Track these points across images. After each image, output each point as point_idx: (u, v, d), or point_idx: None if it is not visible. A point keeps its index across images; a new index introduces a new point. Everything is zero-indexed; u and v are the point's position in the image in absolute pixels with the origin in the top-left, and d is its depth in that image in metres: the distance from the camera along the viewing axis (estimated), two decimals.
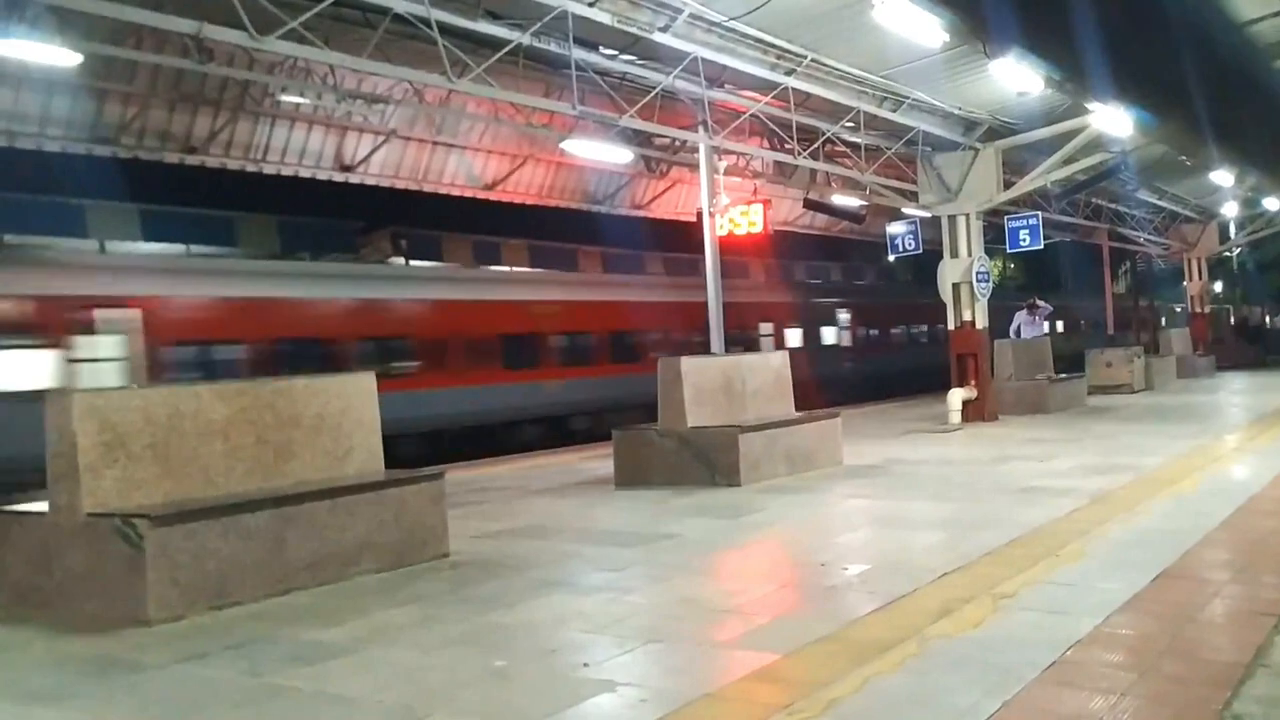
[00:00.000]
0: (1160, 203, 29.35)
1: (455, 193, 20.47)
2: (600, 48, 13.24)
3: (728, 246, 17.13)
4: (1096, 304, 39.86)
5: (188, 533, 6.28)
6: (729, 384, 11.80)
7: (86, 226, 19.74)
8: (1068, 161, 18.48)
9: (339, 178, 18.45)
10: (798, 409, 12.68)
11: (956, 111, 17.34)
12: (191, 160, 16.26)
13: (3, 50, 9.69)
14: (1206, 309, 33.70)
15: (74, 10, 9.46)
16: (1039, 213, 20.29)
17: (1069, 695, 4.29)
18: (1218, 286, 51.26)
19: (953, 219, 18.68)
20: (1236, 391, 23.67)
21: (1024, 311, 21.94)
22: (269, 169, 17.43)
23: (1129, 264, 44.09)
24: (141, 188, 19.98)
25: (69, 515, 6.35)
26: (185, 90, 15.34)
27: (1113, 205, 28.97)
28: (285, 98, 15.83)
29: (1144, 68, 13.18)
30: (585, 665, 5.01)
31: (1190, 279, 33.72)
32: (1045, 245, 20.83)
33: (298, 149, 17.46)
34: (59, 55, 10.28)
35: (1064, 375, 20.64)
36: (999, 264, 44.22)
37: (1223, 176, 24.39)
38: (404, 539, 7.51)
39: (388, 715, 4.48)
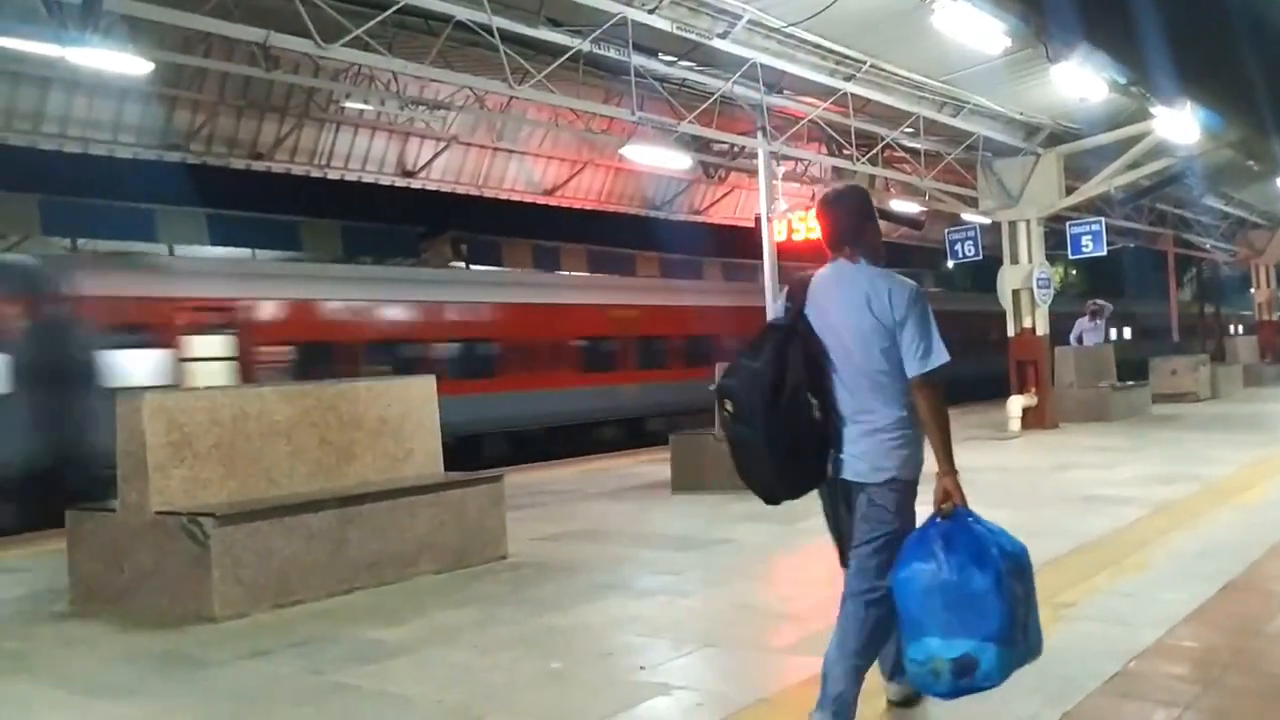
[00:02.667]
0: (1227, 208, 28.78)
1: (515, 198, 20.61)
2: (659, 54, 13.27)
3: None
4: (1161, 311, 39.17)
5: (252, 532, 6.40)
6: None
7: (156, 231, 20.13)
8: (1131, 167, 18.21)
9: (401, 183, 18.65)
10: None
11: (1018, 116, 17.16)
12: (258, 166, 16.51)
13: (78, 59, 9.92)
14: (1275, 316, 32.96)
15: (146, 20, 9.67)
16: (1102, 218, 19.99)
17: (1131, 707, 4.25)
18: None
19: (1013, 225, 18.49)
20: None
21: (1085, 318, 21.66)
22: (333, 174, 17.67)
23: (1195, 270, 43.32)
24: (209, 193, 20.31)
25: (138, 514, 6.50)
26: (252, 97, 15.60)
27: (1178, 211, 28.47)
28: (349, 104, 16.06)
29: (1209, 68, 12.98)
30: (641, 668, 5.04)
31: (1258, 286, 33.04)
32: (1108, 251, 20.54)
33: (361, 154, 17.68)
34: (131, 64, 10.47)
35: (1128, 383, 20.33)
36: (1060, 270, 43.61)
37: None
38: (463, 540, 7.59)
39: (446, 715, 4.54)
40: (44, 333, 14.46)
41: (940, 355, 3.73)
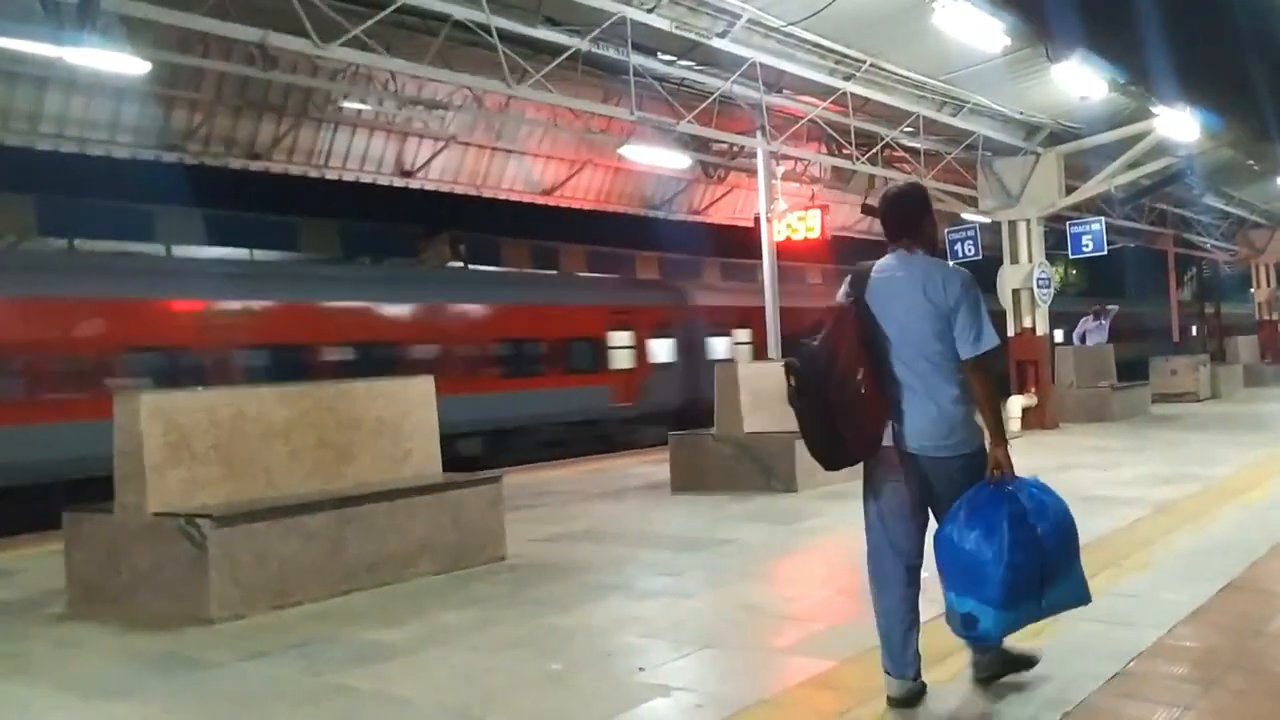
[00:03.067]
0: (1227, 208, 28.72)
1: (514, 198, 20.53)
2: (659, 53, 13.23)
3: None
4: (1161, 311, 39.10)
5: (249, 533, 6.38)
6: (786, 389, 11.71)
7: (154, 231, 20.10)
8: (1132, 166, 18.18)
9: (399, 183, 18.56)
10: None
11: (1018, 116, 17.13)
12: (255, 166, 16.45)
13: (75, 59, 9.89)
14: (1276, 315, 32.89)
15: (143, 19, 9.64)
16: (1102, 218, 19.95)
17: (1131, 708, 4.23)
18: None
19: (1013, 224, 18.46)
20: None
21: (1090, 318, 21.58)
22: (330, 174, 17.59)
23: (1195, 270, 43.26)
24: (207, 193, 20.26)
25: (135, 515, 6.47)
26: (250, 97, 15.53)
27: (1178, 210, 28.42)
28: (347, 104, 16.00)
29: (1209, 69, 13.00)
30: (641, 669, 5.02)
31: (1258, 285, 32.99)
32: (1109, 251, 20.49)
33: (359, 154, 17.61)
34: (128, 63, 10.44)
35: (1128, 383, 20.30)
36: (1060, 270, 43.55)
37: None
38: (462, 541, 7.56)
39: (446, 717, 4.52)
40: (686, 326, 24.88)
41: (991, 339, 4.16)
